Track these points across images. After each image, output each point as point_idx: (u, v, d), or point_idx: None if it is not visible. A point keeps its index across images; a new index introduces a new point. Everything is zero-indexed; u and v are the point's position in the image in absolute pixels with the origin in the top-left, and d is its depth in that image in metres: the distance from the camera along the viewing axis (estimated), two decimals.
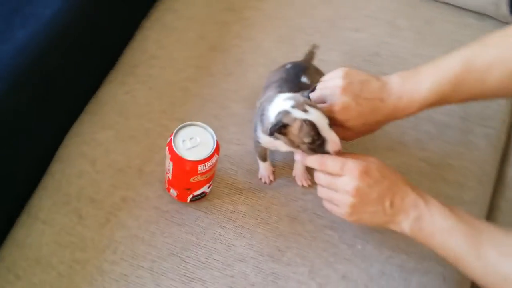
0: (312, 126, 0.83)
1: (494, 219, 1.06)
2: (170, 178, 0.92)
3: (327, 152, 0.85)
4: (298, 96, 0.87)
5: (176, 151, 0.87)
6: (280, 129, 0.85)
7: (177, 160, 0.88)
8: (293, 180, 1.01)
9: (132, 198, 0.97)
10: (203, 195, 0.96)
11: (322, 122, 0.84)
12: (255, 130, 0.93)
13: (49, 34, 0.94)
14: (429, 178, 1.02)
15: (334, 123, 0.87)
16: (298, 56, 1.08)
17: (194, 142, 0.89)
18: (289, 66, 1.01)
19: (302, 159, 0.89)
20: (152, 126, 1.05)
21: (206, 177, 0.91)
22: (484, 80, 0.87)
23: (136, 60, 1.12)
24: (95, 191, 0.97)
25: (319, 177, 0.88)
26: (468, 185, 1.03)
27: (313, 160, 0.87)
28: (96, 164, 1.00)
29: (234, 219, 0.96)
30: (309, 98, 0.87)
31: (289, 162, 1.02)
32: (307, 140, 0.84)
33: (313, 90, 0.88)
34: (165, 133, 1.04)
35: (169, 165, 0.90)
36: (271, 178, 1.00)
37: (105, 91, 1.09)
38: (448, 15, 1.26)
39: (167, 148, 0.89)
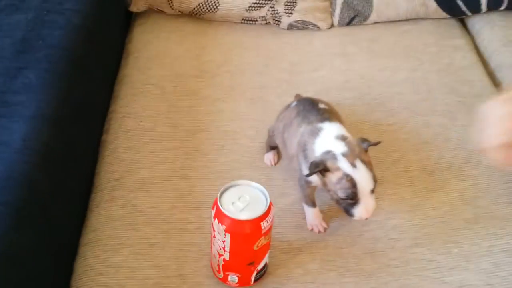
0: (353, 184, 0.76)
1: None
2: (228, 258, 0.76)
3: (351, 213, 0.79)
4: (354, 142, 0.80)
5: (232, 217, 0.73)
6: (320, 171, 0.78)
7: (236, 226, 0.73)
8: (345, 218, 0.88)
9: None
10: (265, 269, 0.81)
11: (364, 185, 0.77)
12: (301, 170, 0.83)
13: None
14: None
15: None
16: (278, 108, 1.01)
17: (244, 200, 0.75)
18: (295, 103, 0.93)
19: None
20: (170, 226, 0.89)
21: (268, 238, 0.77)
22: None
23: (116, 173, 0.97)
24: None
25: None
26: None
27: None
28: None
29: (311, 281, 0.81)
30: (367, 148, 0.80)
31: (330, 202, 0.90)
32: (341, 195, 0.77)
33: (376, 143, 0.81)
34: (188, 227, 0.88)
35: (224, 241, 0.75)
36: (324, 224, 0.88)
37: (95, 215, 0.91)
38: (386, 29, 1.28)
39: (215, 221, 0.74)
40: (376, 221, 0.88)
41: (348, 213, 0.80)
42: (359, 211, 0.78)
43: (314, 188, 0.86)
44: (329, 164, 0.78)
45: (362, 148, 0.80)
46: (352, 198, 0.77)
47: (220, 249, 0.76)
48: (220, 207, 0.74)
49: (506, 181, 0.93)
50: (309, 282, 0.81)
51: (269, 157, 0.98)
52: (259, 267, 0.79)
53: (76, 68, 0.95)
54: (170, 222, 0.89)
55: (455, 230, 0.86)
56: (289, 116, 0.93)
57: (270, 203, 0.75)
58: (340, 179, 0.77)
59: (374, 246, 0.85)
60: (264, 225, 0.74)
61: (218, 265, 0.79)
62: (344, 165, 0.77)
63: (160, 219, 0.90)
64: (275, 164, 0.98)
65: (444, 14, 1.26)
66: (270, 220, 0.75)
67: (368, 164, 0.79)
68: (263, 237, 0.75)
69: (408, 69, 1.15)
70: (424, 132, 1.02)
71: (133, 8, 1.31)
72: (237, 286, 0.80)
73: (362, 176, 0.77)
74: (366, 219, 0.80)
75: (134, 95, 1.12)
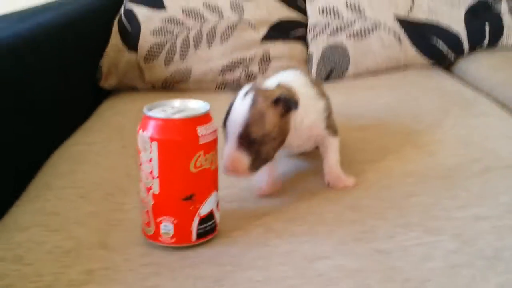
0: (227, 114, 0.64)
1: None
2: (158, 191, 0.57)
3: None
4: (274, 88, 0.67)
5: (159, 117, 0.57)
6: None
7: (164, 129, 0.56)
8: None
9: (101, 268, 0.57)
10: (212, 223, 0.60)
11: (232, 121, 0.62)
12: None
13: None
14: None
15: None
16: None
17: (178, 109, 0.59)
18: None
19: None
20: (98, 207, 0.70)
21: (211, 162, 0.58)
22: None
23: (49, 180, 0.81)
24: (32, 281, 0.55)
25: None
26: None
27: None
28: (23, 259, 0.59)
29: (277, 235, 0.60)
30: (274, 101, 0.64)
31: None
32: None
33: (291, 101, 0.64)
34: (122, 208, 0.70)
35: (151, 159, 0.57)
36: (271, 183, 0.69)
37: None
38: (367, 78, 1.19)
39: (140, 132, 0.58)
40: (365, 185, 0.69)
41: None
42: (223, 153, 0.62)
43: None
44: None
45: (270, 99, 0.63)
46: (224, 128, 0.63)
47: (148, 178, 0.58)
48: (145, 112, 0.58)
49: None
50: (274, 237, 0.59)
51: None
52: (202, 210, 0.58)
53: None
54: (100, 204, 0.71)
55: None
56: None
57: (209, 113, 0.60)
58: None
59: (357, 203, 0.65)
60: (202, 131, 0.57)
61: (148, 212, 0.59)
62: (242, 90, 0.64)
63: (88, 204, 0.71)
64: None
65: (425, 60, 1.19)
66: (211, 130, 0.58)
67: (255, 111, 0.61)
68: (202, 152, 0.57)
69: (390, 97, 1.04)
70: (414, 125, 0.87)
71: (104, 84, 1.26)
72: (174, 243, 0.59)
73: (238, 110, 0.61)
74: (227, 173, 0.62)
75: (87, 130, 1.01)
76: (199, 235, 0.59)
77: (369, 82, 1.14)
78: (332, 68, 1.20)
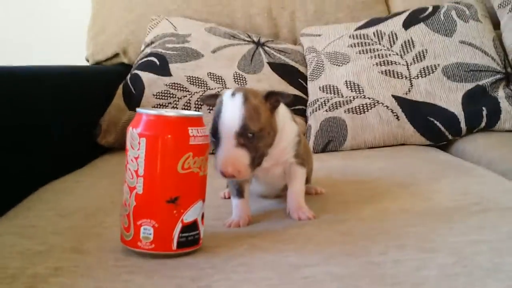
0: (218, 114, 0.62)
1: None
2: (141, 191, 0.55)
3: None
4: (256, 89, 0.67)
5: (151, 112, 0.56)
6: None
7: (154, 124, 0.55)
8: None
9: (70, 266, 0.53)
10: (195, 234, 0.57)
11: (227, 120, 0.60)
12: None
13: None
14: None
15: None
16: None
17: (171, 112, 0.58)
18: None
19: None
20: (79, 224, 0.67)
21: (200, 164, 0.56)
22: None
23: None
24: None
25: None
26: None
27: None
28: None
29: (262, 251, 0.56)
30: (265, 96, 0.63)
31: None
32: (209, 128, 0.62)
33: (285, 95, 0.64)
34: (101, 225, 0.67)
35: (138, 156, 0.55)
36: (247, 219, 0.66)
37: None
38: (363, 151, 1.20)
39: (130, 131, 0.56)
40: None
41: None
42: (217, 159, 0.60)
43: None
44: (218, 94, 0.64)
45: (260, 95, 0.63)
46: (214, 135, 0.61)
47: (133, 177, 0.56)
48: (138, 110, 0.57)
49: None
50: (259, 253, 0.56)
51: (225, 191, 0.81)
52: (186, 216, 0.55)
53: None
54: (78, 221, 0.67)
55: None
56: None
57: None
58: (216, 106, 0.63)
59: (349, 230, 0.61)
60: (193, 132, 0.56)
61: (128, 216, 0.56)
62: (225, 93, 0.63)
63: (67, 221, 0.68)
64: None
65: (423, 138, 1.20)
66: (202, 133, 0.57)
67: (250, 106, 0.60)
68: (191, 153, 0.55)
69: (385, 162, 1.03)
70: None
71: (101, 141, 1.26)
72: (153, 249, 0.55)
73: (230, 109, 0.60)
74: (226, 176, 0.60)
75: (77, 173, 0.99)
76: (180, 244, 0.55)
77: (365, 153, 1.14)
78: (330, 140, 1.20)
